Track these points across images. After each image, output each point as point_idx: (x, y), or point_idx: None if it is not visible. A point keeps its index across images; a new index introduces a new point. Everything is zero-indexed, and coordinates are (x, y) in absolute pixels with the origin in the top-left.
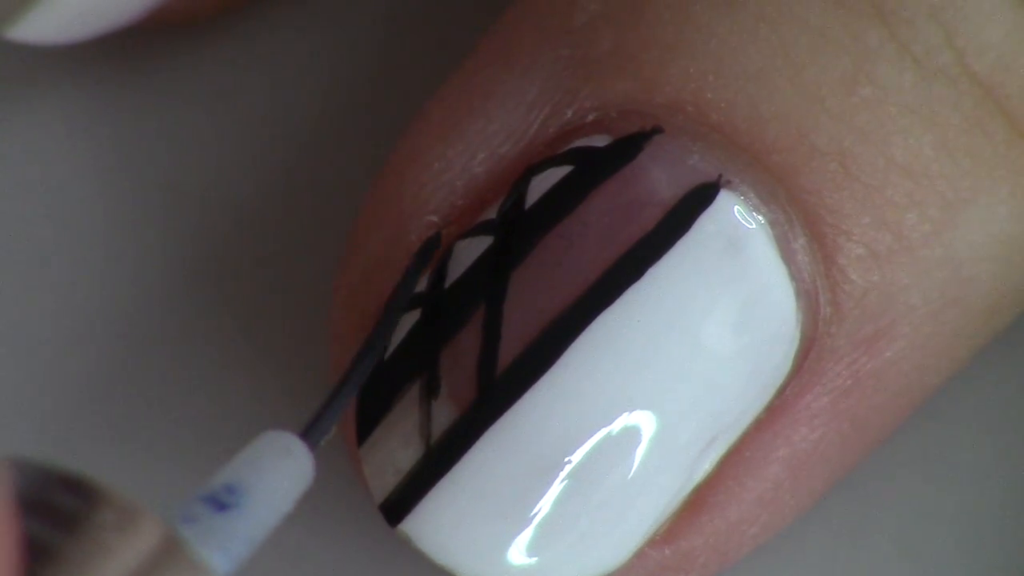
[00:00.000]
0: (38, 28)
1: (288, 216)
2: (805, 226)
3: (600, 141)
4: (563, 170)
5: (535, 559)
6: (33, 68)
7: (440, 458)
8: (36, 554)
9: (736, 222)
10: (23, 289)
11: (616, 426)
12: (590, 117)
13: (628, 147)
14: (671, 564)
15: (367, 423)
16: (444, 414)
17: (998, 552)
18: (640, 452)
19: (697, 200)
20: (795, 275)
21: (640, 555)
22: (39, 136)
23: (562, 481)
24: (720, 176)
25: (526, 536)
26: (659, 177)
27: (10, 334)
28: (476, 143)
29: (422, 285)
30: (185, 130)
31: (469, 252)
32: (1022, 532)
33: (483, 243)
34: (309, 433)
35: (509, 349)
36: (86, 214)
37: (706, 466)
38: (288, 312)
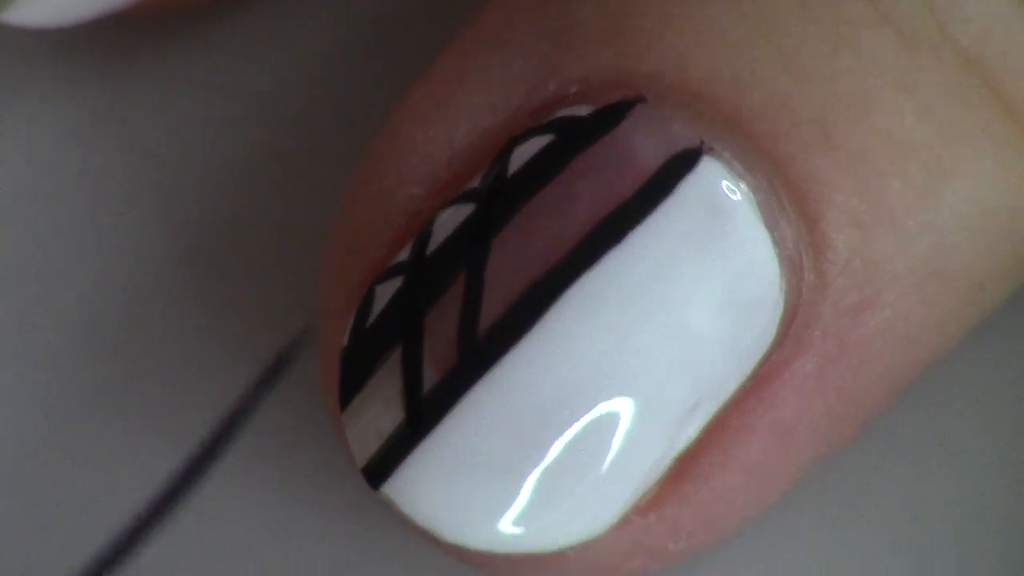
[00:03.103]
0: (31, 11)
1: (286, 207)
2: (788, 193)
3: (583, 111)
4: (545, 139)
5: (515, 521)
6: (27, 65)
7: (421, 421)
8: None
9: (718, 188)
10: (19, 284)
11: (596, 389)
12: (573, 89)
13: (610, 116)
14: (657, 532)
15: (350, 389)
16: (426, 378)
17: (994, 550)
18: (621, 414)
19: (679, 166)
20: (778, 241)
21: (626, 522)
22: (34, 132)
23: (542, 444)
24: (702, 143)
25: (506, 498)
26: (641, 144)
27: (8, 331)
28: (458, 116)
29: (404, 254)
30: (182, 124)
31: (451, 220)
32: (1017, 528)
33: (466, 211)
34: None
35: (490, 312)
36: (81, 208)
37: (690, 431)
38: (287, 306)
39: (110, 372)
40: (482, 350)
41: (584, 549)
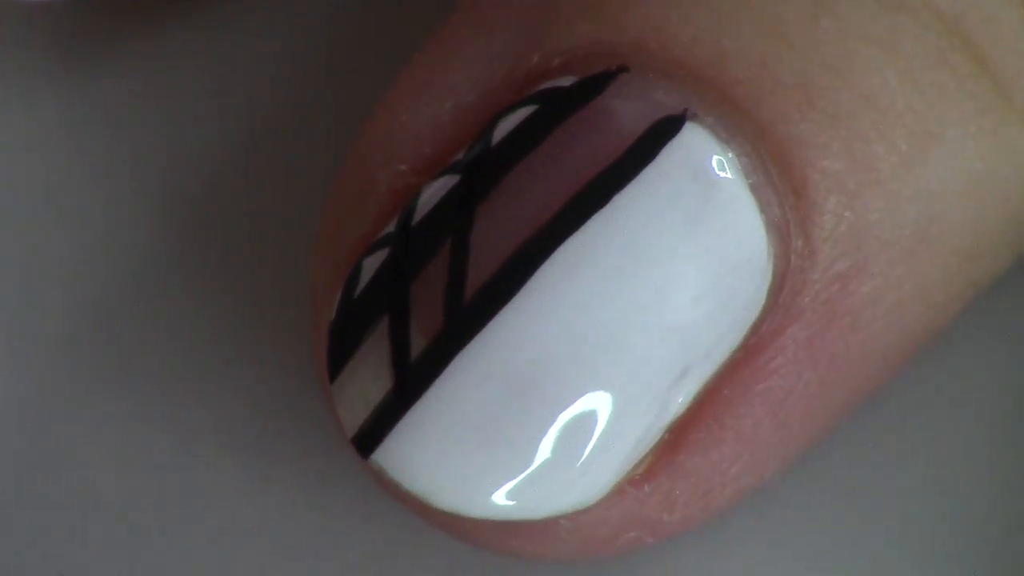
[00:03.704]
0: None
1: (284, 202)
2: (773, 159)
3: (566, 82)
4: (529, 110)
5: (505, 487)
6: (24, 63)
7: (410, 387)
8: None
9: (702, 154)
10: (17, 282)
11: (583, 352)
12: (555, 61)
13: (593, 85)
14: (652, 503)
15: (338, 360)
16: (414, 346)
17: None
18: (609, 378)
19: (662, 131)
20: (764, 208)
21: (620, 492)
22: (30, 130)
23: (531, 408)
24: (686, 109)
25: (496, 464)
26: (624, 111)
27: (5, 327)
28: (442, 94)
29: (391, 228)
30: (179, 120)
31: (437, 193)
32: (1015, 525)
33: (451, 183)
34: None
35: (476, 277)
36: (79, 207)
37: (680, 399)
38: (285, 303)
39: (109, 370)
40: (469, 315)
41: (577, 518)
